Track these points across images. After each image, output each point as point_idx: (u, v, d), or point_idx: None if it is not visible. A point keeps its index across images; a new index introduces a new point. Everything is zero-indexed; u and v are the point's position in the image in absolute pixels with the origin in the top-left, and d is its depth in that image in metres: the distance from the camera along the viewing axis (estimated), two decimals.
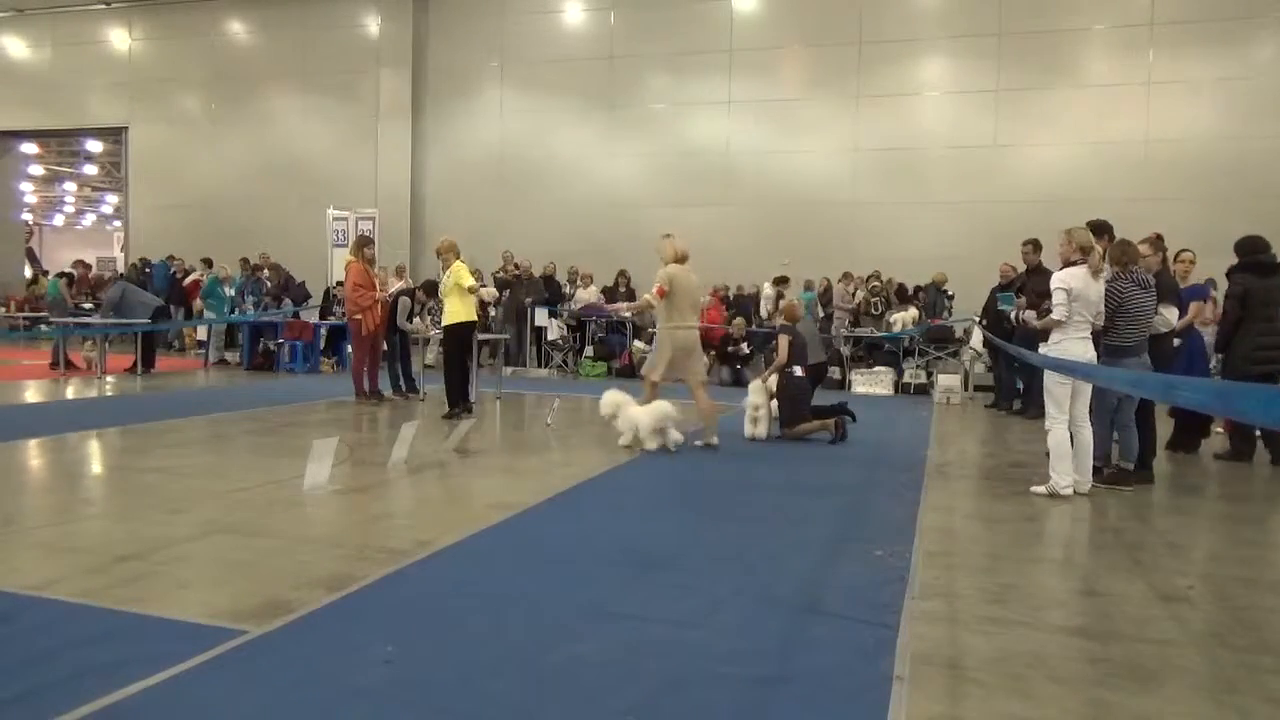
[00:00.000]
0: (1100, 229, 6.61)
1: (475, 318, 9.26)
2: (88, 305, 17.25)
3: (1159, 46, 15.22)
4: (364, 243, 10.18)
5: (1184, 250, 8.14)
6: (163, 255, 19.14)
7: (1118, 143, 15.34)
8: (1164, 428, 8.15)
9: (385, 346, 10.78)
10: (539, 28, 18.32)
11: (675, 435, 7.19)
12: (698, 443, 7.43)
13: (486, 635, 3.14)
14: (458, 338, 9.16)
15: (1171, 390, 3.60)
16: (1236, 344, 7.56)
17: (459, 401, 9.12)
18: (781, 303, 9.02)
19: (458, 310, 9.05)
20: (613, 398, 7.40)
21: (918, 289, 14.81)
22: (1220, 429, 8.90)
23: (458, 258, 9.13)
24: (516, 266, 15.97)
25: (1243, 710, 2.74)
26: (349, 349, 14.87)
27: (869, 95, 16.58)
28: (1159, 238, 7.06)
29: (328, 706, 2.57)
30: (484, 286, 10.04)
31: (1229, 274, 7.81)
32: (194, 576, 3.70)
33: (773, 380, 8.21)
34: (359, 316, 9.89)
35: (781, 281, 14.97)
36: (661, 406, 7.12)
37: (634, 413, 7.23)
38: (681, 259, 7.59)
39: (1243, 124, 14.75)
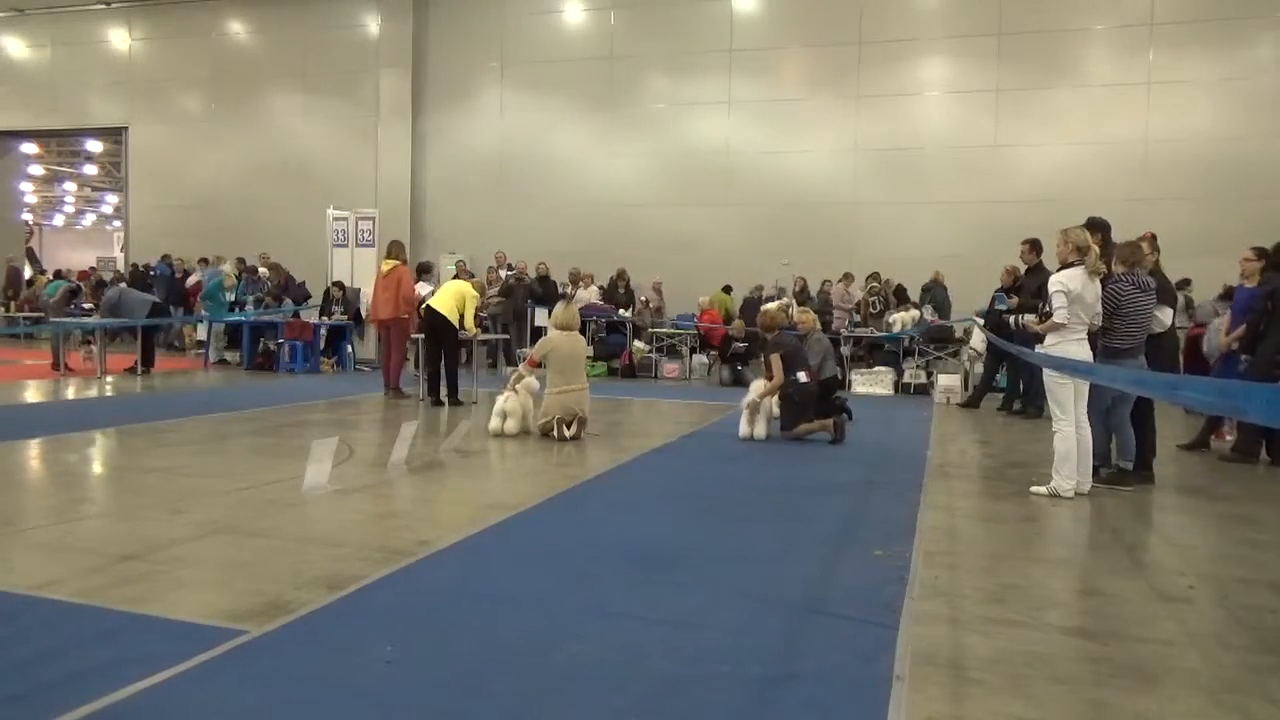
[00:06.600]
0: (1096, 226, 6.60)
1: (453, 318, 9.83)
2: (87, 305, 17.25)
3: (1159, 46, 15.22)
4: (402, 248, 10.96)
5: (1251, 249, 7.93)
6: (163, 255, 19.12)
7: (1118, 143, 15.34)
8: (1177, 427, 8.19)
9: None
10: (539, 28, 18.32)
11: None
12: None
13: (487, 635, 3.14)
14: (430, 326, 9.86)
15: (1174, 390, 3.60)
16: (1263, 344, 7.46)
17: (433, 391, 10.01)
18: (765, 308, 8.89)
19: (440, 301, 9.87)
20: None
21: (923, 290, 14.71)
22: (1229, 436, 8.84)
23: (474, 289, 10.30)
24: (512, 268, 15.98)
25: (1243, 710, 2.74)
26: (349, 349, 14.98)
27: (869, 95, 16.58)
28: (1153, 237, 7.04)
29: (328, 706, 2.57)
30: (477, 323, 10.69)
31: (1262, 272, 7.76)
32: (194, 576, 3.70)
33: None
34: (406, 316, 10.54)
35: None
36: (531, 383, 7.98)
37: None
38: (567, 326, 8.04)
39: (1243, 124, 14.75)
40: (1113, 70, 15.43)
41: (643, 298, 16.23)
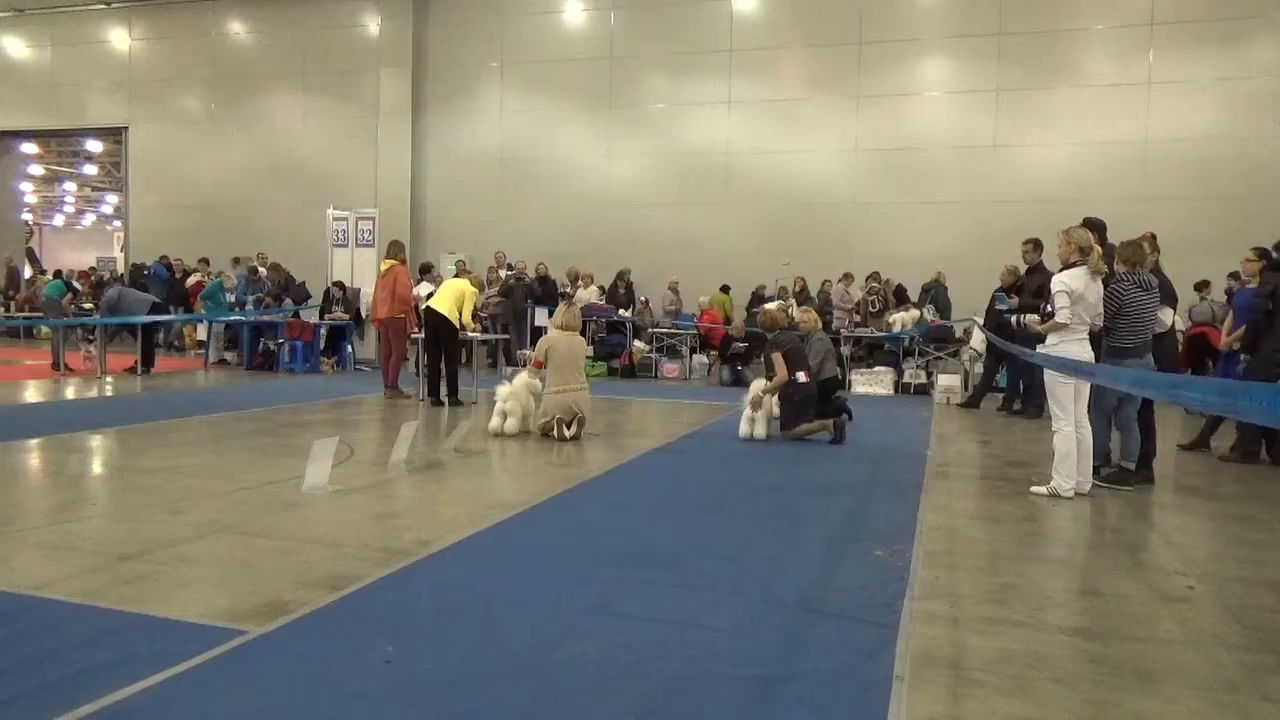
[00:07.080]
0: (1092, 226, 6.60)
1: (453, 318, 9.82)
2: (87, 305, 17.25)
3: (1159, 46, 15.22)
4: (401, 248, 10.94)
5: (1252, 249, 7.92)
6: (163, 255, 19.11)
7: (1118, 143, 15.34)
8: (1177, 427, 8.19)
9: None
10: (539, 28, 18.33)
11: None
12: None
13: (487, 635, 3.14)
14: (431, 326, 9.84)
15: (1175, 390, 3.60)
16: (1263, 344, 7.45)
17: (433, 391, 9.99)
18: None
19: (440, 301, 9.85)
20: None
21: (923, 290, 14.70)
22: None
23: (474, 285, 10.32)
24: (511, 268, 15.98)
25: (1243, 710, 2.74)
26: (349, 349, 14.98)
27: (869, 95, 16.58)
28: (1153, 237, 7.04)
29: (328, 706, 2.57)
30: (475, 322, 10.70)
31: (1261, 272, 7.75)
32: (194, 576, 3.70)
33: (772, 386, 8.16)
34: (402, 315, 10.58)
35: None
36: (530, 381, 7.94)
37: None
38: (568, 327, 8.04)
39: (1243, 124, 14.76)
40: (1113, 70, 15.44)
41: (642, 298, 16.22)
